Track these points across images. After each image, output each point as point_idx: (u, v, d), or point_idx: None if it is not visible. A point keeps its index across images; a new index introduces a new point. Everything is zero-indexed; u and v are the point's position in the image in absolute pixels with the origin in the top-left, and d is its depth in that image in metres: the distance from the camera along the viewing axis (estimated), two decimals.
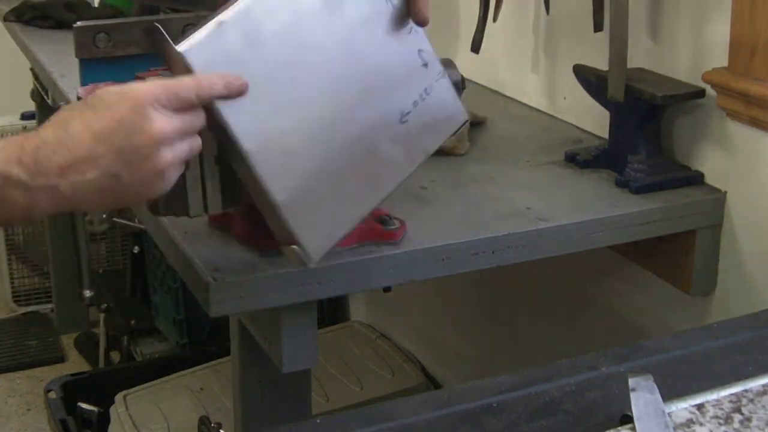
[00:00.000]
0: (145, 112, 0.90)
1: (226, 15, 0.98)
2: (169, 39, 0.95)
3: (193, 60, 0.95)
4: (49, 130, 0.90)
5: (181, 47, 0.95)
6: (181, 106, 0.93)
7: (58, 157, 0.88)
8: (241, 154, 0.98)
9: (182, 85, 0.93)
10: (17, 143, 0.89)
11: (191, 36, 0.96)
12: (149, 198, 0.95)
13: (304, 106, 1.02)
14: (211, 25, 0.97)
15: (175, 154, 0.92)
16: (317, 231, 1.04)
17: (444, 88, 1.13)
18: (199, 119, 0.95)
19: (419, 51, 1.11)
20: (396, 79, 1.09)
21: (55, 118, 0.91)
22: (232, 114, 0.97)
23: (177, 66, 0.96)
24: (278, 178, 1.00)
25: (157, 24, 0.95)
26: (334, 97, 1.04)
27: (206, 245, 1.20)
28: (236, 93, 0.96)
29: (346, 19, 1.05)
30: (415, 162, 1.12)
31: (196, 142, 0.96)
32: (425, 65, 1.11)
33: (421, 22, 1.10)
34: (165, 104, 0.91)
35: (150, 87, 0.92)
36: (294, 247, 1.03)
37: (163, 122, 0.90)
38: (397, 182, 1.11)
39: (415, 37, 1.10)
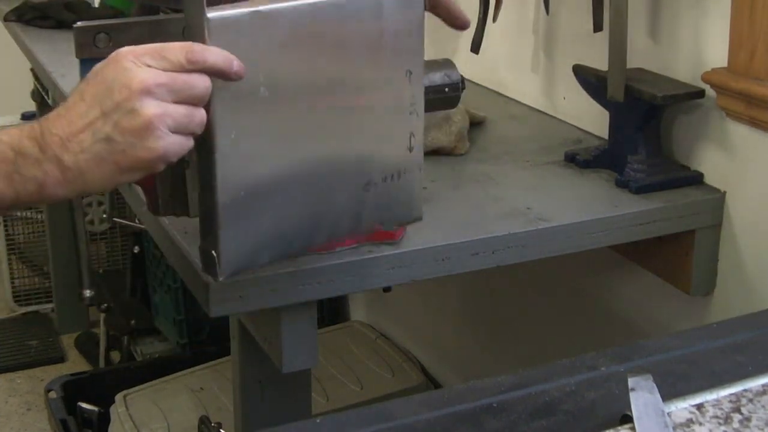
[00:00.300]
0: (124, 68, 0.89)
1: (264, 6, 0.96)
2: (204, 2, 0.92)
3: (213, 32, 0.92)
4: (54, 109, 0.93)
5: (211, 14, 0.92)
6: (168, 67, 0.90)
7: (59, 129, 0.90)
8: (212, 138, 0.95)
9: (168, 45, 0.91)
10: (29, 124, 0.92)
11: (223, 9, 0.94)
12: (149, 162, 0.90)
13: (285, 131, 0.99)
14: (246, 10, 0.95)
15: (163, 108, 0.89)
16: (240, 249, 0.99)
17: (415, 180, 1.11)
18: (195, 81, 0.90)
19: (411, 134, 1.09)
20: (379, 147, 1.07)
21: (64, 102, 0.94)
22: (220, 98, 0.94)
23: (195, 34, 0.93)
24: (231, 179, 0.96)
25: None
26: (316, 136, 1.02)
27: None
28: (233, 74, 0.92)
29: (363, 75, 1.04)
30: (356, 232, 1.11)
31: (198, 113, 0.91)
32: (410, 149, 1.09)
33: (462, 26, 1.11)
34: (148, 62, 0.90)
35: (132, 47, 0.91)
36: (213, 252, 0.99)
37: (143, 73, 0.89)
38: (330, 240, 1.10)
39: (414, 121, 1.08)
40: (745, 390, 0.92)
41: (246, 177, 0.98)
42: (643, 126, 1.42)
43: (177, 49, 0.91)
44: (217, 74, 0.92)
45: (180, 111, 0.90)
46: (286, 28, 0.98)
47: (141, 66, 0.90)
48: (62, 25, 2.39)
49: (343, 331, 2.44)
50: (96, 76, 0.92)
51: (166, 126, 0.89)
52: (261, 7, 0.96)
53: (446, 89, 1.24)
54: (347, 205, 1.06)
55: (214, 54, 0.91)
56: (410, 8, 1.05)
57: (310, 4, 0.99)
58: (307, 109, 1.01)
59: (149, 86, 0.89)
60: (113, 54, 0.91)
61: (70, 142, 0.90)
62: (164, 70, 0.90)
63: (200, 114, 0.92)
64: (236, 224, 0.98)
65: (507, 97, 1.87)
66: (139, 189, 1.13)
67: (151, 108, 0.89)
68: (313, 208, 1.04)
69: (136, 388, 2.21)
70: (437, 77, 1.24)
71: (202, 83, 0.91)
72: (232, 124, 0.95)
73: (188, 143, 0.92)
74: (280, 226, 1.02)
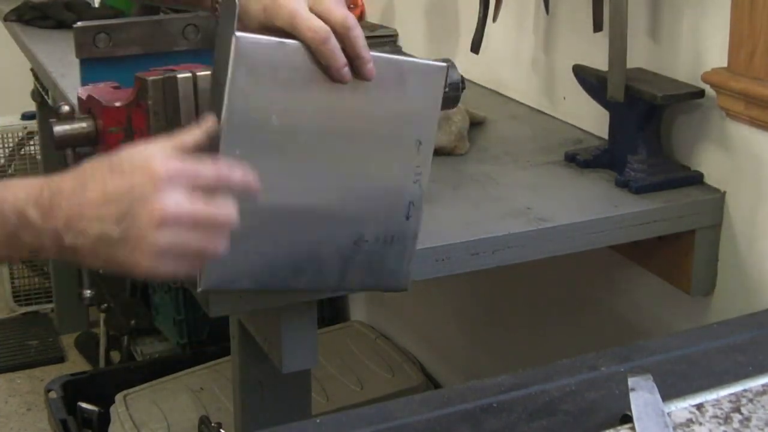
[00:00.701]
0: (157, 186, 0.87)
1: (293, 41, 1.00)
2: (236, 19, 0.96)
3: (239, 50, 0.95)
4: (69, 180, 0.90)
5: (239, 33, 0.96)
6: (196, 188, 0.89)
7: (68, 209, 0.89)
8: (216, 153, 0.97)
9: (204, 168, 0.90)
10: (38, 185, 0.90)
11: (253, 34, 0.98)
12: (136, 273, 0.90)
13: (286, 168, 1.02)
14: (273, 39, 0.99)
15: (175, 241, 0.88)
16: (222, 268, 1.01)
17: (406, 249, 1.10)
18: (216, 212, 0.90)
19: (410, 203, 1.09)
20: (375, 208, 1.07)
21: (80, 169, 0.91)
22: (231, 117, 0.96)
23: (220, 51, 0.97)
24: None
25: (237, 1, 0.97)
26: (314, 180, 1.04)
27: None
28: (250, 191, 0.93)
29: (372, 134, 1.05)
30: (341, 287, 1.10)
31: (212, 244, 0.90)
32: (407, 218, 1.09)
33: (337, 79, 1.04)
34: (183, 183, 0.88)
35: (172, 163, 0.89)
36: None
37: (171, 202, 0.87)
38: (313, 287, 1.09)
39: (416, 190, 1.09)
40: (745, 390, 0.92)
41: (241, 201, 0.98)
42: (643, 126, 1.42)
43: (210, 172, 0.90)
44: (236, 191, 0.92)
45: (190, 243, 0.89)
46: (308, 68, 1.00)
47: (172, 188, 0.88)
48: (62, 25, 2.39)
49: (343, 331, 2.44)
50: (124, 172, 0.89)
51: (169, 256, 0.88)
52: (289, 41, 1.00)
53: (446, 89, 1.24)
54: (334, 257, 1.07)
55: (235, 174, 0.92)
56: (431, 80, 1.07)
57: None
58: (312, 152, 1.02)
59: (170, 218, 0.87)
60: (153, 159, 0.88)
61: (75, 224, 0.88)
62: (193, 189, 0.89)
63: (212, 245, 0.90)
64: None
65: (507, 97, 1.87)
66: None
67: (163, 240, 0.87)
68: (298, 250, 1.05)
69: (136, 388, 2.21)
70: None
71: (225, 216, 0.90)
72: (238, 145, 0.97)
73: (181, 268, 0.90)
74: (263, 258, 1.03)
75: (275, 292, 1.15)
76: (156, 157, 0.89)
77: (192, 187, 0.89)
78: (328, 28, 1.00)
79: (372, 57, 1.03)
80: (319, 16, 1.01)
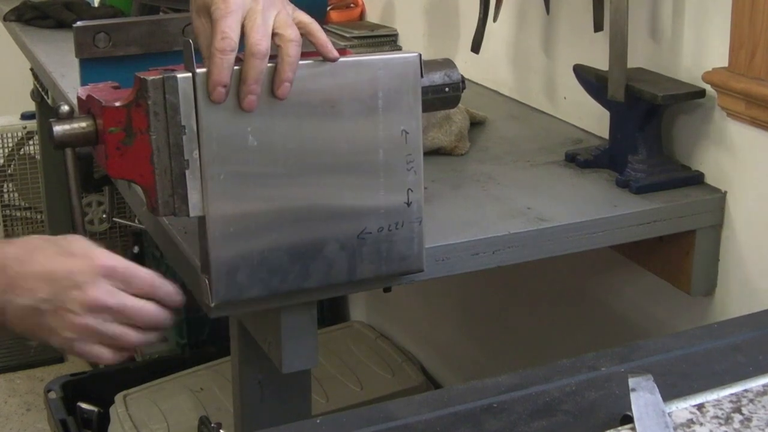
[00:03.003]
0: (93, 275, 0.98)
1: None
2: (193, 57, 1.01)
3: (200, 85, 1.01)
4: (17, 249, 0.99)
5: (199, 70, 1.01)
6: (130, 289, 1.00)
7: (8, 276, 0.97)
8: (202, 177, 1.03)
9: (141, 273, 1.01)
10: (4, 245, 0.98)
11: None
12: (56, 344, 1.00)
13: (274, 178, 1.06)
14: (234, 67, 1.03)
15: (97, 326, 0.98)
16: (231, 278, 1.06)
17: (415, 233, 1.13)
18: (145, 311, 1.01)
19: (408, 190, 1.12)
20: (374, 200, 1.11)
21: (28, 240, 1.00)
22: (209, 142, 1.02)
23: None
24: (220, 215, 1.04)
25: (190, 41, 1.02)
26: (306, 185, 1.07)
27: None
28: (174, 304, 1.04)
29: (355, 134, 1.08)
30: (352, 278, 1.12)
31: (130, 337, 1.01)
32: (408, 204, 1.12)
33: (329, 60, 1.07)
34: (118, 278, 0.99)
35: (113, 260, 1.00)
36: (205, 277, 1.07)
37: (102, 292, 0.98)
38: (326, 283, 1.12)
39: (411, 177, 1.11)
40: (746, 390, 0.92)
41: (235, 214, 1.05)
42: (643, 126, 1.42)
43: (145, 279, 1.02)
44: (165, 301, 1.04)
45: (110, 331, 1.00)
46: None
47: (106, 281, 0.99)
48: (62, 25, 2.39)
49: (343, 331, 2.44)
50: (68, 256, 0.98)
51: (88, 337, 0.99)
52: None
53: (446, 89, 1.24)
54: (340, 252, 1.10)
55: (167, 290, 1.03)
56: (405, 72, 1.10)
57: (299, 66, 1.05)
58: (298, 160, 1.06)
59: (99, 306, 0.98)
60: (96, 254, 0.99)
61: (11, 289, 0.97)
62: (124, 289, 1.00)
63: (132, 338, 1.01)
64: (227, 255, 1.05)
65: (507, 97, 1.87)
66: (139, 189, 1.13)
67: (86, 322, 0.98)
68: (302, 251, 1.09)
69: (136, 388, 2.21)
70: (437, 77, 1.24)
71: (152, 314, 1.02)
72: (221, 167, 1.03)
73: (104, 356, 1.01)
74: (269, 264, 1.07)
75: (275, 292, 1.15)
76: (101, 250, 0.99)
77: (125, 284, 1.00)
78: (235, 44, 1.01)
79: (345, 60, 1.07)
80: (275, 27, 1.03)
